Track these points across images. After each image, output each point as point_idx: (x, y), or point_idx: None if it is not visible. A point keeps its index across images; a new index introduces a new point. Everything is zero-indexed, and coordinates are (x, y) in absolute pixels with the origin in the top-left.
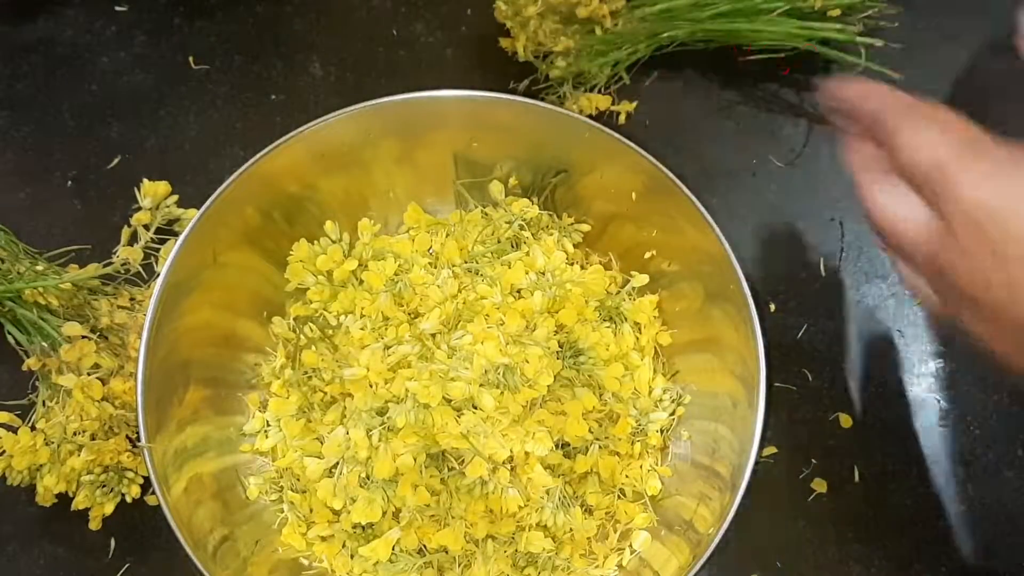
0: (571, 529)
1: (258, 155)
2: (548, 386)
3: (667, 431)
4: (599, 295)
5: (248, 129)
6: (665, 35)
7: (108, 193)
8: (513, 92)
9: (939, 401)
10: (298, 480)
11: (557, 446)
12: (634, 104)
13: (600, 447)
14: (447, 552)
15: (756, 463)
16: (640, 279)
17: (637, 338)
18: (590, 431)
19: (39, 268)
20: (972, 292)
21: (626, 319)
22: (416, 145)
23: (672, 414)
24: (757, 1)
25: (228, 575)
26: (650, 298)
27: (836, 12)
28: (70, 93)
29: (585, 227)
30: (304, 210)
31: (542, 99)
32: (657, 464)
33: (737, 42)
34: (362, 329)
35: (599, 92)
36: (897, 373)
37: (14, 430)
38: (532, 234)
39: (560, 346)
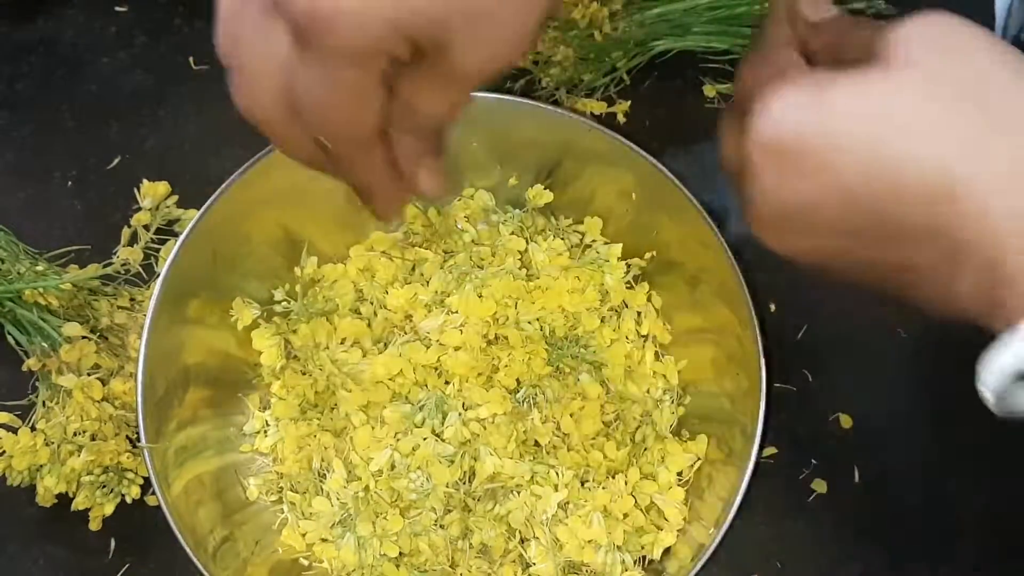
0: (590, 540)
1: (258, 155)
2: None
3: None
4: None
5: (248, 129)
6: (660, 43)
7: (108, 193)
8: (510, 92)
9: (939, 400)
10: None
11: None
12: (628, 103)
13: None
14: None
15: (756, 463)
16: (638, 263)
17: (638, 329)
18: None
19: (39, 268)
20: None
21: (627, 305)
22: None
23: (672, 414)
24: (754, 8)
25: (228, 575)
26: (643, 285)
27: None
28: (70, 93)
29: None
30: (304, 210)
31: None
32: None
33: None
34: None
35: (598, 97)
36: (898, 373)
37: (14, 431)
38: (528, 237)
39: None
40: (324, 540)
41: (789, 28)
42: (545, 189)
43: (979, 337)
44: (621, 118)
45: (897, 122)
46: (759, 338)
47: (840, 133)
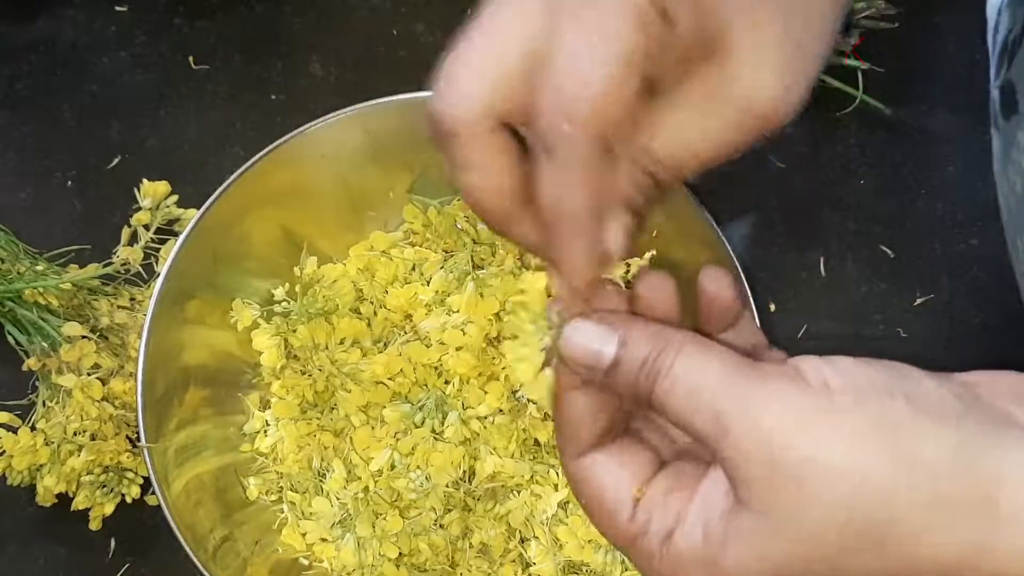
0: (590, 540)
1: (258, 155)
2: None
3: None
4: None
5: (248, 129)
6: None
7: (108, 193)
8: None
9: None
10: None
11: None
12: None
13: None
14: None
15: None
16: (637, 263)
17: None
18: None
19: (39, 268)
20: None
21: None
22: (416, 145)
23: None
24: None
25: (228, 575)
26: None
27: None
28: (70, 93)
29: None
30: (303, 209)
31: None
32: None
33: None
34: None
35: None
36: None
37: (14, 430)
38: None
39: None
40: (324, 540)
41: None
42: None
43: (980, 337)
44: None
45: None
46: None
47: None
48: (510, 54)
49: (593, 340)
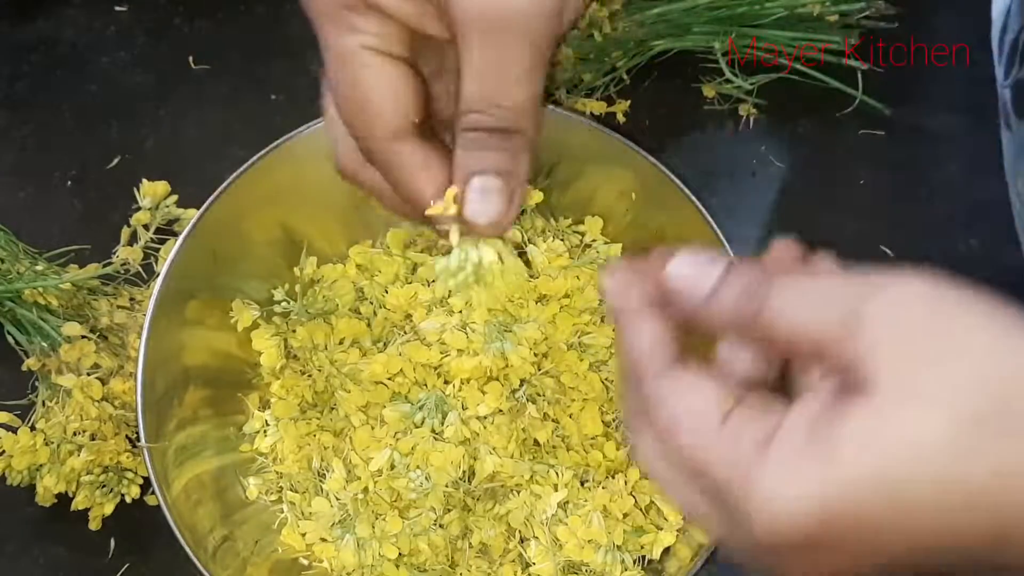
0: (590, 540)
1: (258, 155)
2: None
3: None
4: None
5: (248, 130)
6: (660, 44)
7: (108, 193)
8: None
9: None
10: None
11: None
12: (627, 103)
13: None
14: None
15: None
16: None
17: None
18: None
19: (39, 268)
20: None
21: None
22: None
23: None
24: (754, 7)
25: (228, 575)
26: None
27: (834, 18)
28: (70, 93)
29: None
30: (303, 209)
31: None
32: None
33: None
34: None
35: (597, 97)
36: None
37: (14, 430)
38: (527, 239)
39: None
40: (324, 540)
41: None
42: (538, 189)
43: None
44: (621, 118)
45: (929, 481)
46: None
47: (870, 506)
48: None
49: (701, 261)
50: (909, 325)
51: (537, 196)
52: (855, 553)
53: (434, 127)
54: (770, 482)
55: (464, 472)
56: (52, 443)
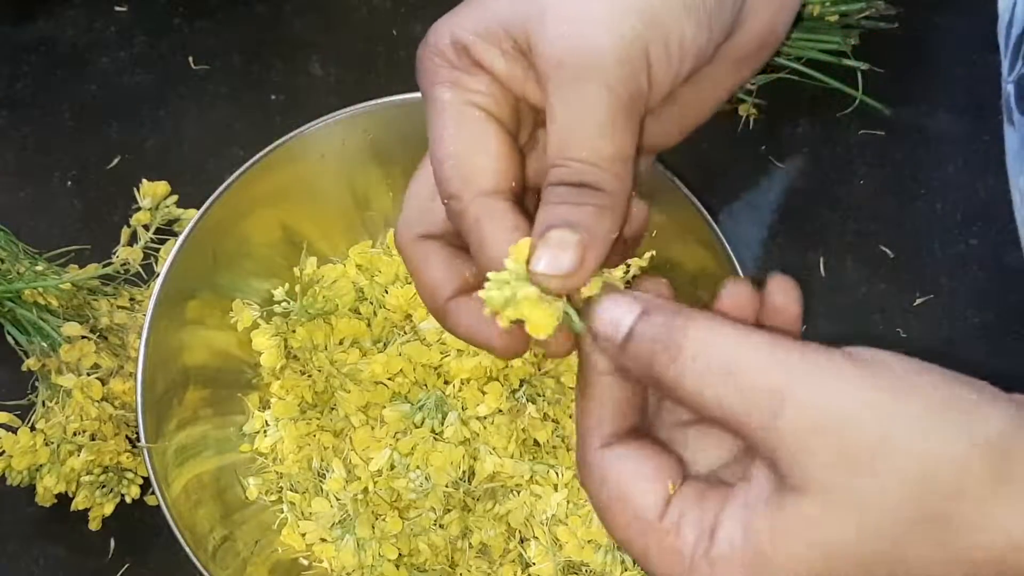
0: (590, 540)
1: (258, 155)
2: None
3: None
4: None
5: (248, 129)
6: None
7: (108, 193)
8: None
9: None
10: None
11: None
12: None
13: None
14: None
15: None
16: (637, 263)
17: None
18: None
19: (39, 268)
20: None
21: None
22: (416, 145)
23: None
24: None
25: (228, 575)
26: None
27: (834, 18)
28: (70, 93)
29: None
30: (303, 209)
31: None
32: None
33: None
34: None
35: None
36: None
37: (14, 430)
38: None
39: None
40: (323, 540)
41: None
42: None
43: (980, 337)
44: None
45: None
46: None
47: None
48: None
49: (616, 307)
50: (833, 420)
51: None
52: None
53: (525, 201)
54: None
55: (464, 472)
56: (52, 443)
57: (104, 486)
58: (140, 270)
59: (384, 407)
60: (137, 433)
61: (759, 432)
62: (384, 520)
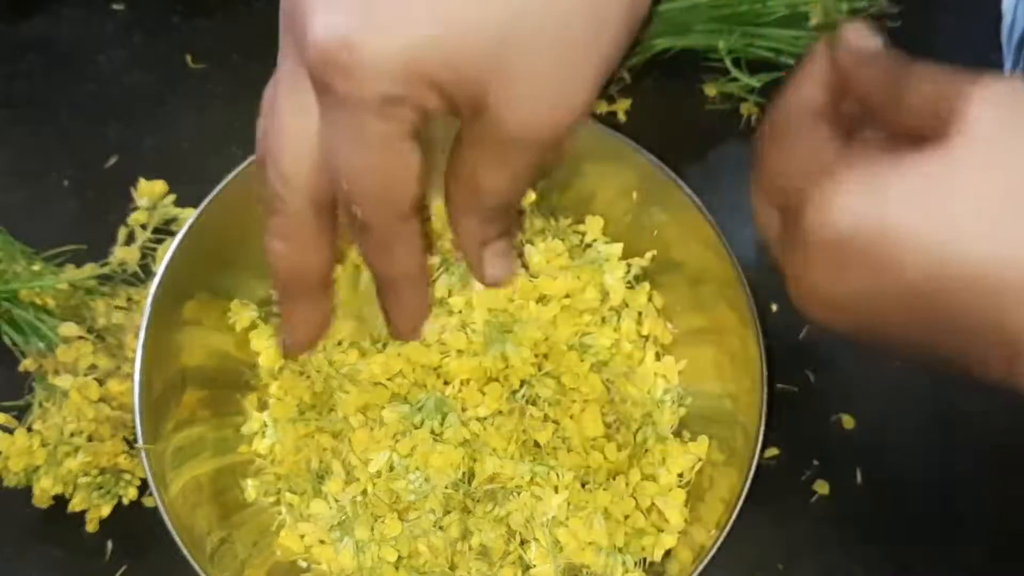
0: (590, 542)
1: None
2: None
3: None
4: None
5: (247, 129)
6: (661, 42)
7: (105, 193)
8: None
9: (941, 400)
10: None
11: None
12: (628, 102)
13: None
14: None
15: (757, 465)
16: (638, 263)
17: (639, 329)
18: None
19: (35, 268)
20: None
21: (628, 305)
22: None
23: (674, 415)
24: (756, 6)
25: None
26: (644, 285)
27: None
28: (67, 92)
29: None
30: None
31: None
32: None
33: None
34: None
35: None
36: (899, 372)
37: (10, 431)
38: (525, 239)
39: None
40: (322, 542)
41: (818, 88)
42: (535, 191)
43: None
44: (622, 116)
45: (964, 221)
46: (760, 338)
47: (903, 231)
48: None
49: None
50: (1012, 105)
51: (528, 195)
52: (872, 268)
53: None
54: (827, 195)
55: (464, 474)
56: (49, 444)
57: (101, 487)
58: (138, 270)
59: (383, 408)
60: (134, 434)
61: (960, 94)
62: (383, 522)
